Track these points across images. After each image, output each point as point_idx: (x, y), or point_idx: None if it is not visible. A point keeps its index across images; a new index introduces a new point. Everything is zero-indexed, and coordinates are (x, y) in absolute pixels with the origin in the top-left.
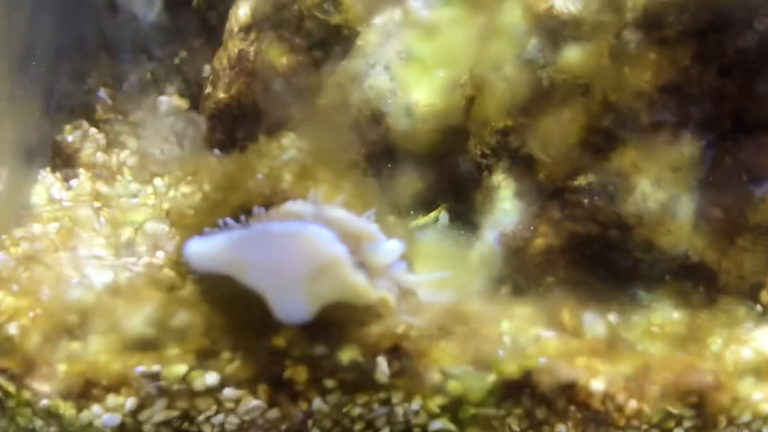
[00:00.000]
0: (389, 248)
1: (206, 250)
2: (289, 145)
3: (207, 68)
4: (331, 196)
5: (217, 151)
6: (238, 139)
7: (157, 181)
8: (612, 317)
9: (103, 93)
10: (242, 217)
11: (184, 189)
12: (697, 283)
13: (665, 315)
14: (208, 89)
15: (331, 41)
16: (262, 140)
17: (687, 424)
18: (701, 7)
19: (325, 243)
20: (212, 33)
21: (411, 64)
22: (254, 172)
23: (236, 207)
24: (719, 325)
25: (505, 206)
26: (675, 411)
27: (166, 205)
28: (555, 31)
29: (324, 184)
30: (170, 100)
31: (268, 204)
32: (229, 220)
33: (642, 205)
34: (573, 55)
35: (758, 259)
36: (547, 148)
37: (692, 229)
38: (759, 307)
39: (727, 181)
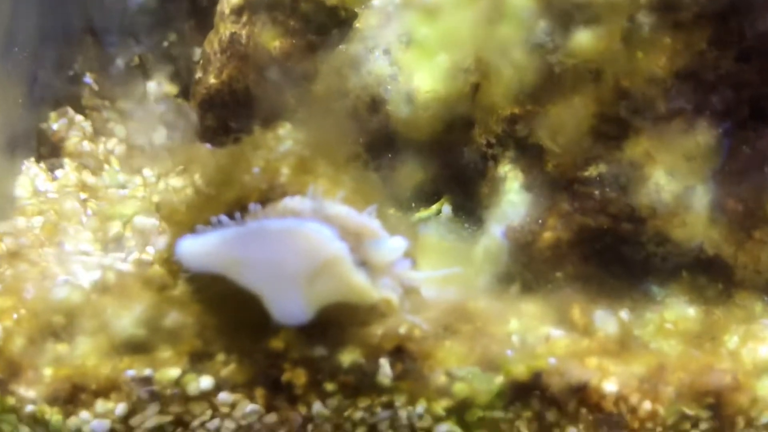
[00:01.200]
0: (392, 245)
1: (199, 248)
2: (286, 136)
3: (197, 52)
4: (330, 191)
5: (208, 143)
6: (231, 127)
7: (146, 172)
8: (624, 314)
9: (89, 78)
10: (237, 214)
11: (175, 181)
12: (713, 277)
13: (679, 311)
14: (199, 74)
15: (327, 24)
16: (257, 131)
17: (703, 426)
18: None
19: (324, 240)
20: (202, 15)
21: (412, 48)
22: (249, 165)
23: (231, 203)
24: (735, 321)
25: (512, 198)
26: (691, 413)
27: (155, 198)
28: (565, 13)
29: (323, 178)
30: (159, 85)
31: (265, 200)
32: (223, 217)
33: (655, 197)
34: (584, 38)
35: None
36: (557, 137)
37: (708, 222)
38: None
39: (744, 172)
